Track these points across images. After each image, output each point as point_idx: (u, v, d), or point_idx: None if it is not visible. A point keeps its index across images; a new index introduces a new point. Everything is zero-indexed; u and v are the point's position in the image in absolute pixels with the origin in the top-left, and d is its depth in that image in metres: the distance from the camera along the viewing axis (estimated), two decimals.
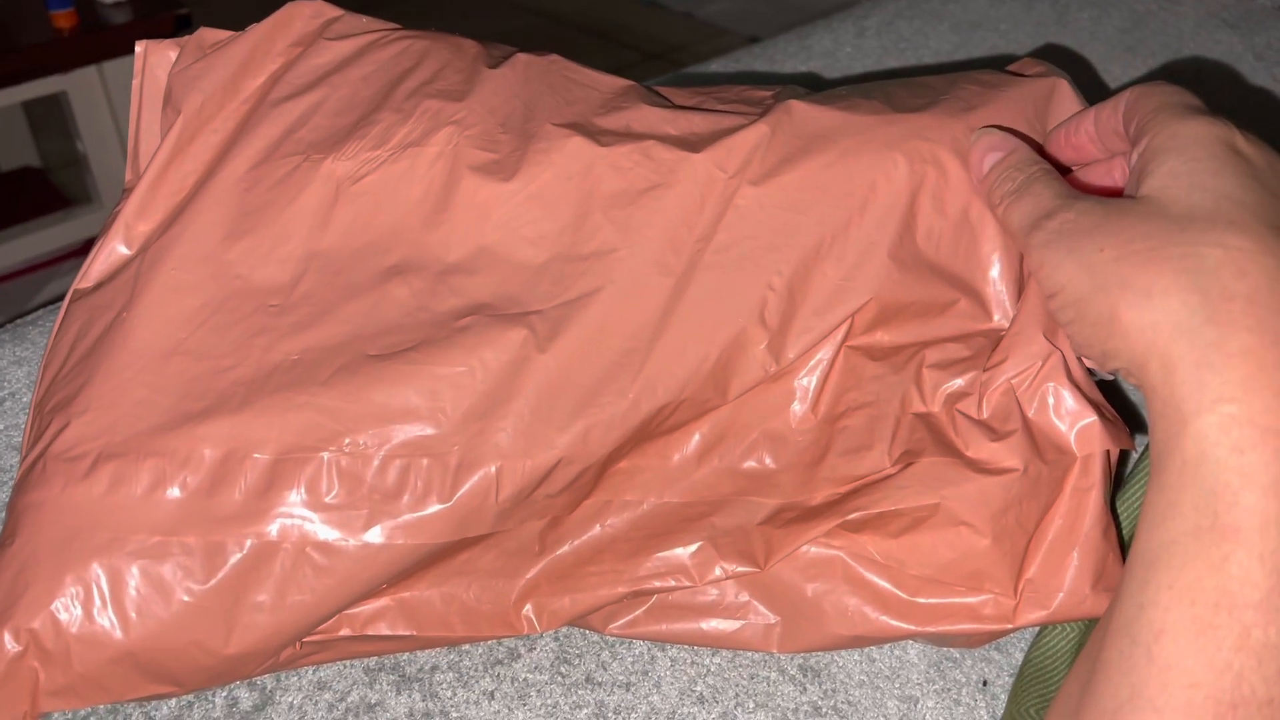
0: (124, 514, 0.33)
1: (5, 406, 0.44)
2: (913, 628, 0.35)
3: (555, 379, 0.34)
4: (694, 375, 0.35)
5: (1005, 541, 0.34)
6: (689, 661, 0.38)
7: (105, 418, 0.34)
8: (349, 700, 0.36)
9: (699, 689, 0.37)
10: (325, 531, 0.33)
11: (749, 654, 0.38)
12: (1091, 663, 0.28)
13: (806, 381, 0.37)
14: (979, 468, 0.34)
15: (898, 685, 0.38)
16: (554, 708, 0.36)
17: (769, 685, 0.37)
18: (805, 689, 0.37)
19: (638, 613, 0.37)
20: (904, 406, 0.36)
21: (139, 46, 0.40)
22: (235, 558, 0.32)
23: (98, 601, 0.32)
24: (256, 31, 0.40)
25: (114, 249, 0.38)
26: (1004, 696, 0.38)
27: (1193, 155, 0.30)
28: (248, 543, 0.32)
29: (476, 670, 0.37)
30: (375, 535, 0.33)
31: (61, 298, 0.38)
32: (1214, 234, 0.28)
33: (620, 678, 0.37)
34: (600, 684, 0.37)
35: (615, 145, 0.37)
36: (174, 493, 0.33)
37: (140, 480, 0.33)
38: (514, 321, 0.35)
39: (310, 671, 0.37)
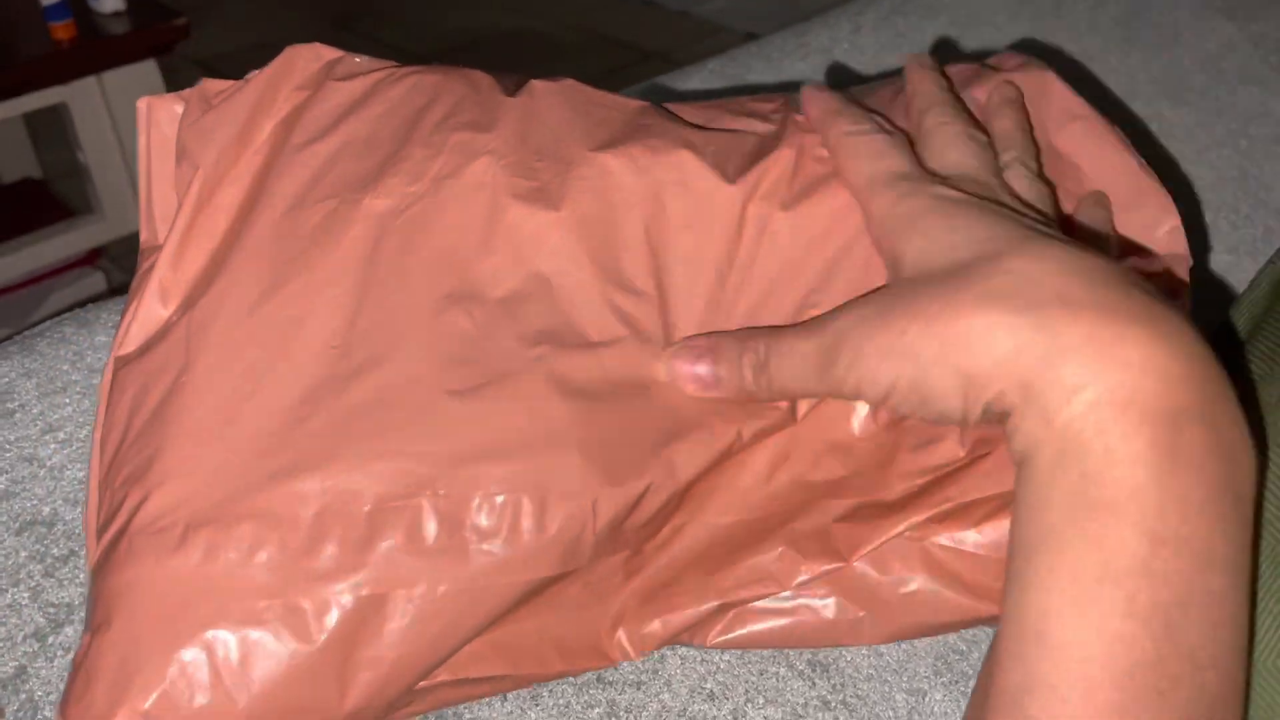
0: (224, 582, 0.32)
1: (15, 418, 0.44)
2: (997, 610, 0.36)
3: (639, 408, 0.34)
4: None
5: None
6: (699, 659, 0.38)
7: (186, 485, 0.33)
8: None
9: (709, 686, 0.37)
10: (429, 578, 0.32)
11: (758, 650, 0.38)
12: (994, 653, 0.29)
13: None
14: None
15: (905, 678, 0.38)
16: (566, 707, 0.36)
17: (778, 681, 0.38)
18: (814, 684, 0.38)
19: (730, 620, 0.38)
20: None
21: (141, 104, 0.39)
22: (342, 614, 0.32)
23: (209, 676, 0.31)
24: (260, 79, 0.39)
25: (152, 310, 0.37)
26: None
27: (927, 223, 0.32)
28: (352, 598, 0.32)
29: None
30: (479, 577, 0.32)
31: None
32: (991, 266, 0.30)
33: (631, 676, 0.37)
34: (611, 683, 0.37)
35: (652, 172, 0.37)
36: (273, 554, 0.32)
37: (236, 545, 0.32)
38: (585, 353, 0.35)
39: None
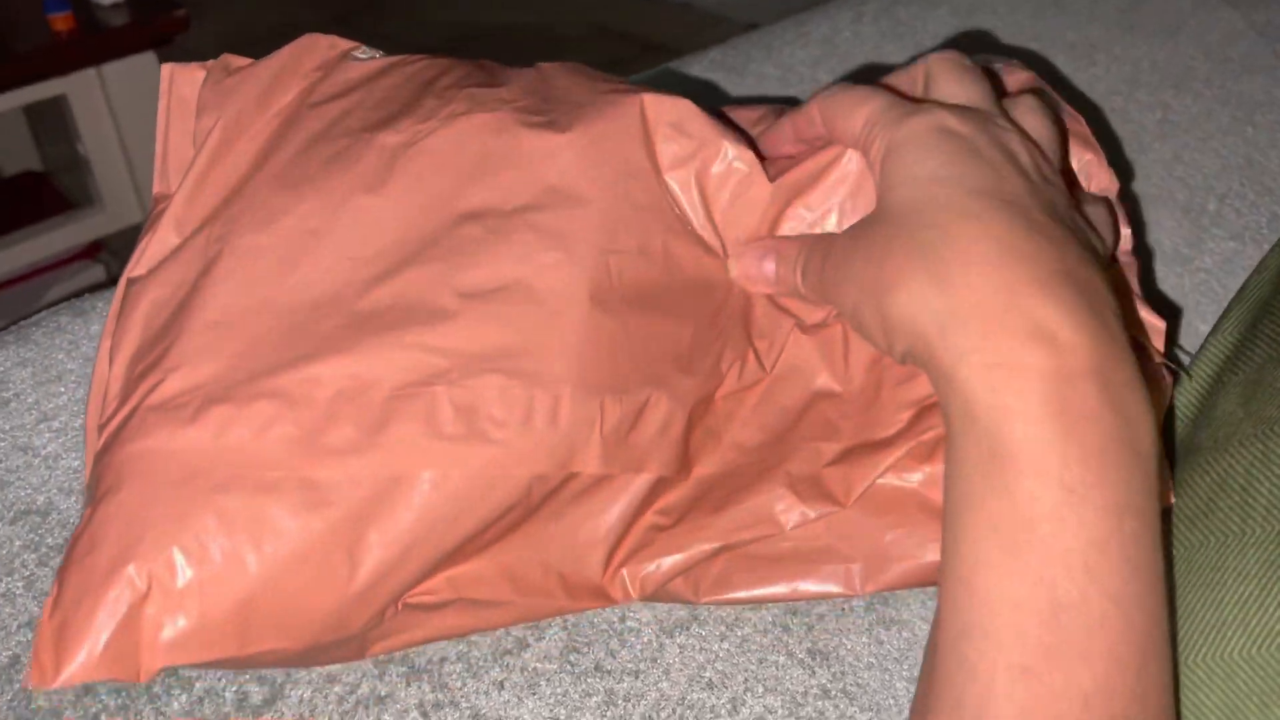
0: (238, 454, 0.32)
1: (10, 408, 0.44)
2: None
3: (643, 323, 0.36)
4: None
5: None
6: (697, 648, 0.38)
7: (204, 370, 0.33)
8: (359, 693, 0.36)
9: (708, 675, 0.37)
10: (443, 461, 0.33)
11: (757, 639, 0.38)
12: (938, 606, 0.31)
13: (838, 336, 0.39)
14: None
15: (906, 667, 0.38)
16: (564, 696, 0.36)
17: (778, 669, 0.37)
18: (814, 672, 0.37)
19: (725, 567, 0.38)
20: None
21: (165, 70, 0.41)
22: (356, 491, 0.32)
23: (221, 540, 0.31)
24: (280, 55, 0.41)
25: (166, 239, 0.38)
26: None
27: (904, 153, 0.33)
28: (367, 476, 0.32)
29: (486, 660, 0.37)
30: (491, 465, 0.33)
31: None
32: (927, 217, 0.31)
33: (629, 665, 0.37)
34: (609, 672, 0.37)
35: (658, 111, 0.38)
36: (288, 431, 0.32)
37: (251, 422, 0.32)
38: (596, 262, 0.35)
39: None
